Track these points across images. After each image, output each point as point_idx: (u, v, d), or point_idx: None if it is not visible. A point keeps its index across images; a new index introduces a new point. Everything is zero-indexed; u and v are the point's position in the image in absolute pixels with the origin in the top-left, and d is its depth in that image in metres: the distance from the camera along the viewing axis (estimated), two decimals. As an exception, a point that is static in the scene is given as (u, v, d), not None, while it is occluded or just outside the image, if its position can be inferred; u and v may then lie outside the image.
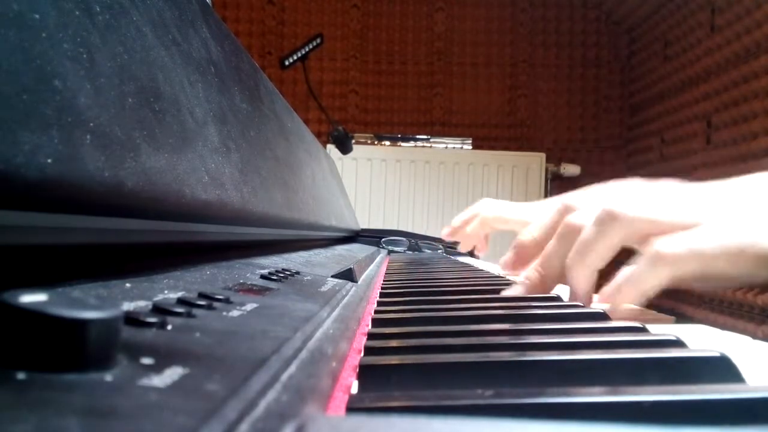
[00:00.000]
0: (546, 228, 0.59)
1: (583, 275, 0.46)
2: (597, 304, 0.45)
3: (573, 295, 0.48)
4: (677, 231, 0.42)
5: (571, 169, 2.80)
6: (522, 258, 0.60)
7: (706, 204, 0.43)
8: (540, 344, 0.27)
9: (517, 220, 0.93)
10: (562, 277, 0.50)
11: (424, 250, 1.51)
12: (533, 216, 0.86)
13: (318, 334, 0.26)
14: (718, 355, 0.23)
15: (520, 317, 0.37)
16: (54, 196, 0.21)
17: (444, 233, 1.13)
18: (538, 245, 0.57)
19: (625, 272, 0.43)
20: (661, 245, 0.41)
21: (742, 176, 0.47)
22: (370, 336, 0.30)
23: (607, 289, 0.44)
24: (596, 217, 0.46)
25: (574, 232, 0.49)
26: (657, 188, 0.52)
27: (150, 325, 0.19)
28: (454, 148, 2.88)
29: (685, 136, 2.34)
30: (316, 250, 0.84)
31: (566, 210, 0.54)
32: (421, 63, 2.91)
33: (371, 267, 0.77)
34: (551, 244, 0.52)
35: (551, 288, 0.52)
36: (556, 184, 2.85)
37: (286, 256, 0.62)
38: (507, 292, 0.51)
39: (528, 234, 0.61)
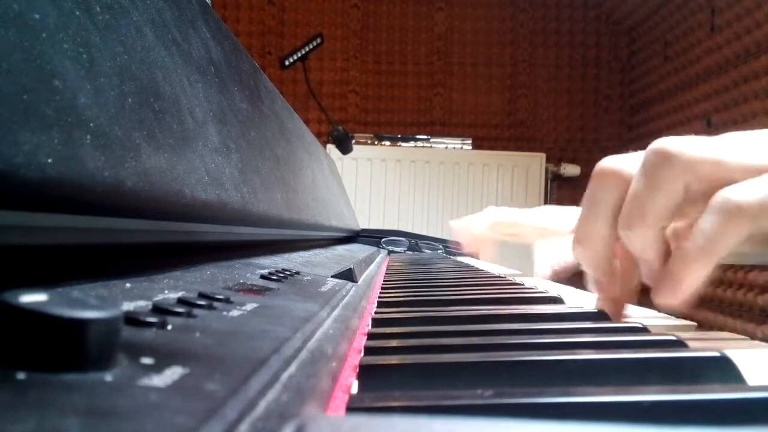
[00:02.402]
0: (595, 221, 0.38)
1: (649, 238, 0.35)
2: (662, 298, 0.34)
3: (647, 271, 0.36)
4: (750, 177, 0.32)
5: (571, 169, 2.80)
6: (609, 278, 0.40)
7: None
8: (540, 344, 0.27)
9: (529, 225, 0.87)
10: (609, 250, 0.38)
11: (424, 250, 1.51)
12: (546, 220, 0.83)
13: (318, 334, 0.26)
14: (718, 355, 0.23)
15: (520, 317, 0.37)
16: (54, 196, 0.21)
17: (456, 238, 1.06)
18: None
19: (694, 237, 0.32)
20: (735, 193, 0.31)
21: None
22: (370, 336, 0.30)
23: (678, 257, 0.33)
24: (643, 161, 0.35)
25: (614, 183, 0.37)
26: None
27: (150, 325, 0.19)
28: (454, 148, 2.88)
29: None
30: (316, 250, 0.84)
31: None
32: (421, 63, 2.91)
33: (371, 267, 0.77)
34: (584, 211, 0.38)
35: (612, 271, 0.39)
36: (556, 184, 2.85)
37: (286, 256, 0.62)
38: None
39: (585, 256, 0.40)
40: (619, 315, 0.39)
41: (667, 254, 0.35)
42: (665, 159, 0.34)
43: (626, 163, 0.37)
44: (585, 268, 0.40)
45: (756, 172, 0.32)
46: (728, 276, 1.91)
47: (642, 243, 0.35)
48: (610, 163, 0.38)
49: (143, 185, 0.27)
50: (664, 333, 0.28)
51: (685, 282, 0.32)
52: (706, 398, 0.17)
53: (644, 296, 0.39)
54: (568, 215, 0.81)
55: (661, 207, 0.34)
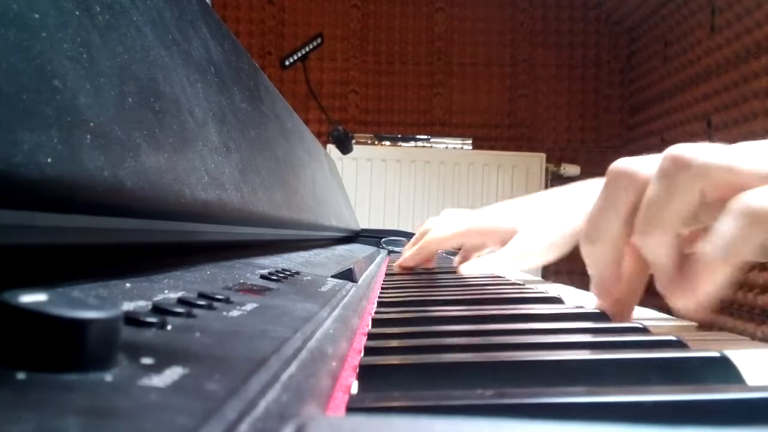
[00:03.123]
0: (609, 219, 0.38)
1: (665, 244, 0.35)
2: (682, 302, 0.34)
3: (659, 278, 0.36)
4: (765, 184, 0.32)
5: (571, 170, 2.80)
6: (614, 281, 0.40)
7: None
8: (540, 344, 0.27)
9: (498, 229, 0.75)
10: (620, 251, 0.38)
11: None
12: (516, 219, 0.72)
13: (318, 334, 0.26)
14: (718, 355, 0.23)
15: (520, 317, 0.37)
16: (54, 195, 0.21)
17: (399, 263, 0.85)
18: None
19: (713, 240, 0.32)
20: (754, 197, 0.31)
21: None
22: (370, 336, 0.30)
23: (697, 261, 0.32)
24: (660, 167, 0.35)
25: (631, 184, 0.37)
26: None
27: (150, 325, 0.19)
28: (454, 148, 2.88)
29: (685, 136, 2.34)
30: (316, 250, 0.84)
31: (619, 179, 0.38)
32: (421, 63, 2.91)
33: (371, 267, 0.77)
34: (596, 208, 0.38)
35: (617, 271, 0.39)
36: (556, 185, 2.85)
37: (286, 256, 0.62)
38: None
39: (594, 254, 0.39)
40: (622, 317, 0.39)
41: (681, 260, 0.35)
42: (682, 165, 0.34)
43: (642, 166, 0.37)
44: (592, 267, 0.39)
45: None
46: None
47: (658, 248, 0.35)
48: (626, 164, 0.37)
49: (143, 185, 0.27)
50: (664, 333, 0.28)
51: (704, 285, 0.32)
52: (706, 398, 0.17)
53: (644, 296, 0.39)
54: (520, 210, 0.76)
55: (678, 213, 0.34)
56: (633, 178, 0.37)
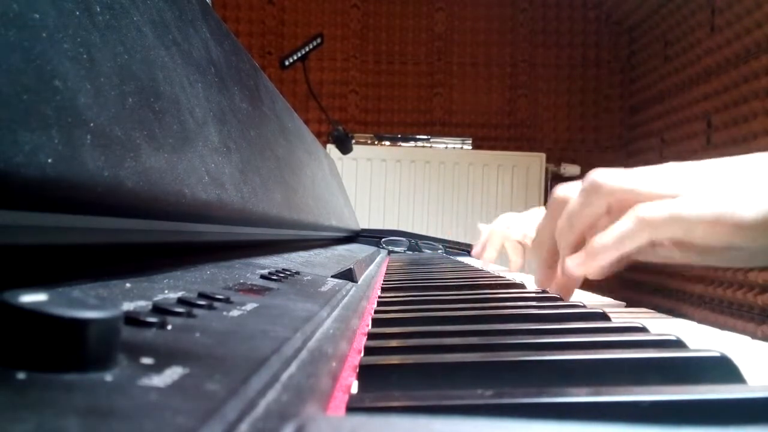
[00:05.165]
0: (545, 228, 0.56)
1: (568, 242, 0.49)
2: (572, 263, 0.48)
3: (561, 266, 0.50)
4: (657, 200, 0.44)
5: (571, 169, 2.80)
6: (551, 267, 0.57)
7: (687, 177, 0.45)
8: (540, 344, 0.27)
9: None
10: (553, 252, 0.53)
11: (424, 250, 1.51)
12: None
13: (318, 334, 0.26)
14: (718, 355, 0.23)
15: (520, 317, 0.37)
16: (54, 196, 0.21)
17: (476, 252, 1.09)
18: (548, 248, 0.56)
19: (604, 235, 0.44)
20: (643, 209, 0.43)
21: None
22: (370, 336, 0.30)
23: (586, 248, 0.45)
24: (581, 188, 0.49)
25: (561, 205, 0.51)
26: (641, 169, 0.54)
27: (150, 325, 0.19)
28: (454, 148, 2.88)
29: (685, 136, 2.34)
30: (316, 250, 0.84)
31: (552, 203, 0.56)
32: (421, 63, 2.91)
33: (371, 267, 0.77)
34: (541, 222, 0.55)
35: (554, 263, 0.53)
36: (556, 184, 2.85)
37: (286, 256, 0.62)
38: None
39: (535, 252, 0.58)
40: (564, 296, 0.51)
41: (579, 246, 0.49)
42: (595, 187, 0.47)
43: (572, 192, 0.51)
44: (536, 264, 0.56)
45: (663, 198, 0.44)
46: (728, 276, 1.91)
47: (563, 238, 0.50)
48: (561, 191, 0.53)
49: (143, 185, 0.27)
50: (664, 333, 0.28)
51: (595, 258, 0.45)
52: (706, 398, 0.17)
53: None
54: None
55: (583, 221, 0.48)
56: (565, 201, 0.51)
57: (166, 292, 0.26)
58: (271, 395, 0.16)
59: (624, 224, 0.43)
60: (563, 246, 0.50)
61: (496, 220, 1.07)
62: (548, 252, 0.54)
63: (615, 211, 0.47)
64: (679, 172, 0.46)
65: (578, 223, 0.48)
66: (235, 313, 0.25)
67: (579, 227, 0.48)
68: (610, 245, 0.43)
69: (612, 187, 0.46)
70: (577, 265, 0.47)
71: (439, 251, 1.52)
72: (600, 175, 0.47)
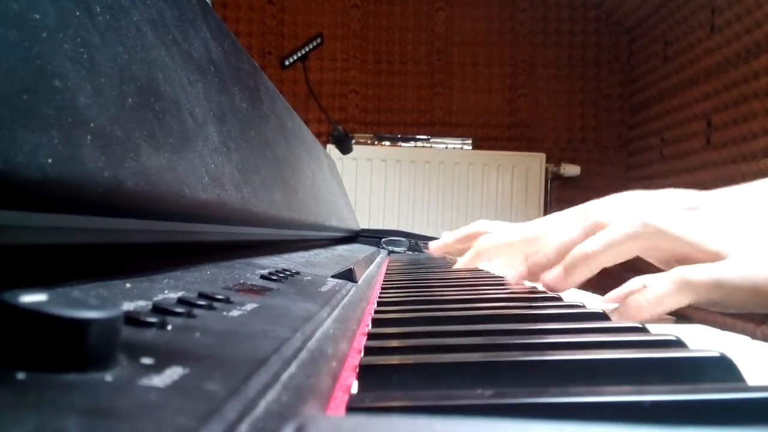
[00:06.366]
0: (564, 245, 0.53)
1: (590, 270, 0.48)
2: (603, 306, 0.45)
3: (568, 280, 0.50)
4: (701, 256, 0.43)
5: (571, 169, 2.80)
6: (535, 275, 0.56)
7: (734, 232, 0.44)
8: (540, 344, 0.27)
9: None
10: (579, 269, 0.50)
11: (424, 250, 1.51)
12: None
13: (318, 334, 0.26)
14: (718, 355, 0.23)
15: (520, 317, 0.37)
16: (54, 196, 0.21)
17: (434, 247, 0.99)
18: (553, 265, 0.53)
19: (647, 291, 0.42)
20: (688, 272, 0.41)
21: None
22: (370, 336, 0.30)
23: (630, 301, 0.43)
24: (630, 221, 0.46)
25: (595, 227, 0.49)
26: (682, 199, 0.52)
27: (150, 325, 0.19)
28: (454, 148, 2.88)
29: (685, 136, 2.34)
30: (316, 251, 0.84)
31: (586, 219, 0.53)
32: (421, 63, 2.91)
33: (371, 267, 0.77)
34: (572, 234, 0.52)
35: (574, 282, 0.50)
36: (556, 184, 2.85)
37: (286, 256, 0.62)
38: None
39: (543, 256, 0.56)
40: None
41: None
42: (644, 226, 0.46)
43: (608, 215, 0.50)
44: (534, 263, 0.56)
45: (708, 253, 0.43)
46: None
47: (585, 269, 0.49)
48: (599, 215, 0.52)
49: (143, 185, 0.27)
50: (665, 333, 0.28)
51: (629, 314, 0.42)
52: (706, 398, 0.17)
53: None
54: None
55: (618, 255, 0.47)
56: (601, 227, 0.49)
57: (166, 292, 0.26)
58: (271, 395, 0.16)
59: (665, 284, 0.41)
60: (591, 269, 0.48)
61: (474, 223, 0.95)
62: (558, 257, 0.52)
63: (653, 252, 0.47)
64: (728, 224, 0.45)
65: (612, 257, 0.47)
66: (235, 313, 0.25)
67: (609, 260, 0.47)
68: (646, 308, 0.41)
69: (661, 230, 0.45)
70: (610, 311, 0.44)
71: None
72: (652, 214, 0.46)
